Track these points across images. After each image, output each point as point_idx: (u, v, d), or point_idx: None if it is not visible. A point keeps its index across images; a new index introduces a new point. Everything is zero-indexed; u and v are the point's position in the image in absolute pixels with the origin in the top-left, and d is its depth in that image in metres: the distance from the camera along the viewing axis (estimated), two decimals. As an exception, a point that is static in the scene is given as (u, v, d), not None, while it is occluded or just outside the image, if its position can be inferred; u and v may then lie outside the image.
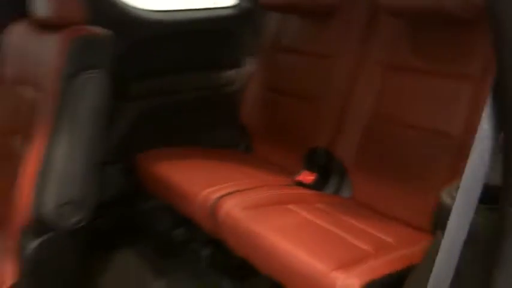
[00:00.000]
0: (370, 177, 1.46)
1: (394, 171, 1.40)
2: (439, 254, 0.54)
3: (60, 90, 1.15)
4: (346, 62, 1.57)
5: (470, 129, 1.21)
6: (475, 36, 1.25)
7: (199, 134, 1.86)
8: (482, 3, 0.77)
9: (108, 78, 1.23)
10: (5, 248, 1.26)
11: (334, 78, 1.59)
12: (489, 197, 0.53)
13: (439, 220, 0.70)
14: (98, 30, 1.23)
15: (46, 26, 1.26)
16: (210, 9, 2.06)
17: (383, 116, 1.44)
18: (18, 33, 1.40)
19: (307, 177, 1.54)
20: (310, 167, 1.59)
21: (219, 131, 1.91)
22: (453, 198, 0.65)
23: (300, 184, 1.54)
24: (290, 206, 1.32)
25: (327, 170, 1.56)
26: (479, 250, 0.55)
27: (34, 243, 1.14)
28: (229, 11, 2.00)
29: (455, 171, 1.14)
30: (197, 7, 2.03)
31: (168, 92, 1.85)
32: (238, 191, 1.36)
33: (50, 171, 1.14)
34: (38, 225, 1.13)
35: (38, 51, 1.27)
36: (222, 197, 1.30)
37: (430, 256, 0.68)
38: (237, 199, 1.29)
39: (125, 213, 1.70)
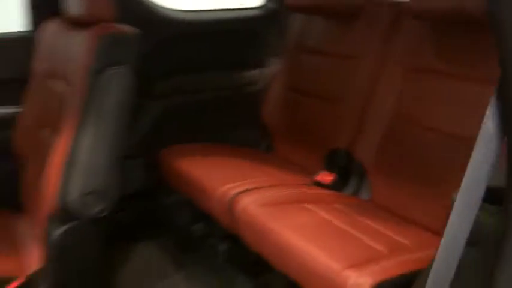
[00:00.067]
0: (389, 179, 1.45)
1: (413, 174, 1.39)
2: (438, 253, 0.54)
3: (88, 84, 1.20)
4: (368, 64, 1.57)
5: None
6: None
7: (221, 132, 1.89)
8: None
9: (134, 75, 1.27)
10: (33, 235, 1.33)
11: (355, 80, 1.60)
12: (494, 197, 0.53)
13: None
14: (125, 28, 1.28)
15: (77, 23, 1.32)
16: (236, 9, 2.10)
17: (403, 118, 1.44)
18: (50, 30, 1.47)
19: (326, 177, 1.55)
20: (329, 167, 1.60)
21: (241, 130, 1.94)
22: None
23: (319, 184, 1.55)
24: (307, 205, 1.34)
25: (347, 171, 1.56)
26: (481, 250, 0.55)
27: (59, 231, 1.19)
28: (255, 12, 2.03)
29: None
30: (224, 7, 2.07)
31: (192, 90, 1.89)
32: (256, 188, 1.38)
33: (75, 162, 1.19)
34: (64, 214, 1.18)
35: (68, 48, 1.33)
36: (239, 193, 1.33)
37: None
38: (255, 196, 1.32)
39: (147, 207, 1.75)
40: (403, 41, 1.47)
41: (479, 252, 0.57)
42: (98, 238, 1.26)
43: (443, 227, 0.94)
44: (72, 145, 1.20)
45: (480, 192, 0.51)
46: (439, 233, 1.23)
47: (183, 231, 1.67)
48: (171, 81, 1.84)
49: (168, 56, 1.82)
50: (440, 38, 1.37)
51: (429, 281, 0.55)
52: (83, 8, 1.28)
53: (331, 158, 1.61)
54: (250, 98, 1.95)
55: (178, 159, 1.61)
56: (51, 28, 1.46)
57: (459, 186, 1.09)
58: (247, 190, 1.35)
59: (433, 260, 0.69)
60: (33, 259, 1.24)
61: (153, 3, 1.77)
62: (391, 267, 1.02)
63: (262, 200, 1.30)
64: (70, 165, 1.19)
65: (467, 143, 1.24)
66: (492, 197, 0.54)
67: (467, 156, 1.27)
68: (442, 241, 0.55)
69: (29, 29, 1.59)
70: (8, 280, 1.18)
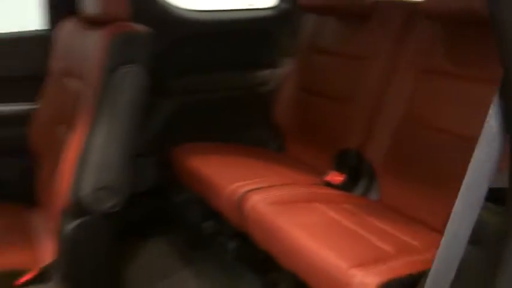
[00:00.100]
0: (399, 180, 1.45)
1: (423, 176, 1.38)
2: (438, 252, 0.55)
3: (101, 82, 1.23)
4: (380, 64, 1.56)
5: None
6: None
7: (233, 132, 1.91)
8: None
9: (147, 74, 1.29)
10: (47, 229, 1.36)
11: (367, 80, 1.60)
12: (497, 197, 0.53)
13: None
14: (139, 27, 1.30)
15: (93, 22, 1.35)
16: (249, 9, 2.11)
17: (414, 119, 1.43)
18: (67, 29, 1.50)
19: (336, 177, 1.55)
20: (340, 167, 1.60)
21: (253, 130, 1.95)
22: None
23: (329, 184, 1.55)
24: (316, 205, 1.34)
25: (357, 172, 1.56)
26: (484, 249, 0.55)
27: (72, 225, 1.22)
28: (269, 12, 2.04)
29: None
30: (237, 8, 2.08)
31: (204, 90, 1.91)
32: (266, 186, 1.39)
33: (88, 158, 1.22)
34: (76, 208, 1.21)
35: (84, 46, 1.36)
36: (249, 191, 1.34)
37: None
38: (264, 194, 1.33)
39: (158, 204, 1.77)
40: (415, 42, 1.46)
41: (482, 251, 0.57)
42: (109, 233, 1.29)
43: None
44: (85, 142, 1.23)
45: (482, 191, 0.52)
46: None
47: (193, 228, 1.69)
48: (184, 81, 1.86)
49: (181, 55, 1.85)
50: (451, 39, 1.36)
51: (428, 280, 0.56)
52: (98, 7, 1.31)
53: (342, 158, 1.61)
54: (262, 98, 1.97)
55: (190, 157, 1.63)
56: (68, 27, 1.50)
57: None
58: (256, 188, 1.36)
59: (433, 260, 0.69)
60: (47, 252, 1.27)
61: (167, 3, 1.80)
62: (399, 267, 1.02)
63: (271, 199, 1.31)
64: (83, 161, 1.22)
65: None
66: (496, 196, 0.54)
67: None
68: (443, 240, 0.55)
69: (46, 28, 1.63)
70: (22, 272, 1.21)
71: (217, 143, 1.79)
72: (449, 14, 1.31)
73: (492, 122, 0.49)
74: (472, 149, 1.30)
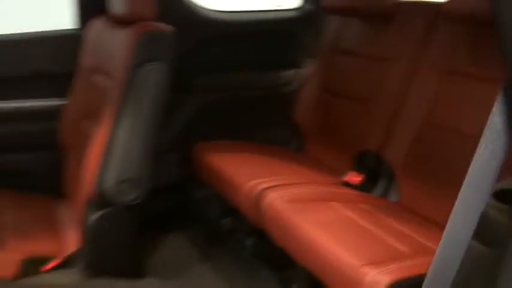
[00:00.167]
0: (419, 183, 1.44)
1: (443, 179, 1.37)
2: (438, 250, 0.55)
3: (126, 79, 1.28)
4: (402, 66, 1.56)
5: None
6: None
7: (254, 131, 1.93)
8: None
9: (170, 71, 1.34)
10: (72, 219, 1.42)
11: (388, 82, 1.59)
12: (506, 196, 0.53)
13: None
14: (163, 26, 1.34)
15: (120, 21, 1.40)
16: (274, 11, 2.13)
17: (435, 121, 1.42)
18: (97, 28, 1.56)
19: (354, 178, 1.56)
20: (359, 168, 1.60)
21: (273, 129, 1.97)
22: (489, 206, 0.66)
23: (347, 184, 1.56)
24: (333, 203, 1.35)
25: (376, 173, 1.56)
26: (490, 248, 0.56)
27: (96, 215, 1.27)
28: (293, 13, 2.06)
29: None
30: (261, 8, 2.11)
31: (227, 88, 1.94)
32: (283, 184, 1.40)
33: (112, 152, 1.27)
34: (100, 200, 1.26)
35: (111, 44, 1.41)
36: (266, 188, 1.36)
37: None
38: (281, 192, 1.34)
39: (178, 199, 1.81)
40: (437, 43, 1.45)
41: (488, 249, 0.57)
42: (131, 225, 1.33)
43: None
44: (110, 136, 1.28)
45: (487, 189, 0.52)
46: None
47: (212, 224, 1.72)
48: (208, 79, 1.89)
49: (206, 55, 1.88)
50: (474, 40, 1.34)
51: (427, 281, 0.56)
52: (126, 7, 1.36)
53: (361, 159, 1.61)
54: (284, 98, 1.98)
55: (210, 154, 1.66)
56: (97, 26, 1.56)
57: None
58: (274, 186, 1.38)
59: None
60: (71, 241, 1.33)
61: (194, 3, 1.84)
62: (412, 267, 1.02)
63: (288, 196, 1.33)
64: (107, 154, 1.27)
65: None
66: (504, 195, 0.54)
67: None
68: (442, 238, 0.55)
69: (77, 27, 1.69)
70: (48, 259, 1.27)
71: (237, 141, 1.82)
72: (471, 15, 1.30)
73: (496, 119, 0.49)
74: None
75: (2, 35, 1.63)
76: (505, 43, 0.46)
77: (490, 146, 0.50)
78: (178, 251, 1.61)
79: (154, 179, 1.35)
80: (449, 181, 1.34)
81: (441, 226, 1.30)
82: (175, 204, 1.82)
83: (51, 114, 1.63)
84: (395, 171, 1.51)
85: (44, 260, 1.26)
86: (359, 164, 1.61)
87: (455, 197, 1.30)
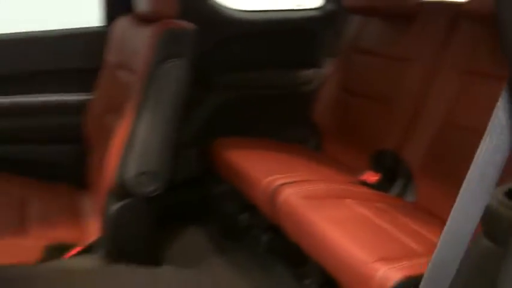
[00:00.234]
0: (437, 183, 1.43)
1: (462, 180, 1.36)
2: (440, 242, 0.56)
3: (148, 74, 1.32)
4: (422, 66, 1.55)
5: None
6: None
7: (273, 128, 1.95)
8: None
9: (191, 68, 1.37)
10: (94, 208, 1.47)
11: (408, 81, 1.59)
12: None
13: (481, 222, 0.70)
14: (185, 24, 1.38)
15: (144, 19, 1.45)
16: (295, 10, 2.15)
17: (455, 121, 1.41)
18: (122, 26, 1.61)
19: (371, 177, 1.56)
20: (376, 168, 1.60)
21: (292, 127, 1.99)
22: (498, 201, 0.66)
23: (364, 183, 1.56)
24: (348, 201, 1.36)
25: (393, 173, 1.56)
26: (498, 244, 0.56)
27: (116, 206, 1.31)
28: (314, 13, 2.07)
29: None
30: (283, 8, 2.13)
31: (247, 86, 1.97)
32: (299, 181, 1.42)
33: (133, 145, 1.31)
34: (121, 190, 1.31)
35: (135, 41, 1.46)
36: (282, 184, 1.38)
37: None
38: (297, 188, 1.36)
39: (197, 194, 1.85)
40: (458, 44, 1.44)
41: (495, 245, 0.57)
42: (150, 215, 1.37)
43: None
44: (131, 129, 1.32)
45: (491, 183, 0.53)
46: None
47: (229, 219, 1.75)
48: (229, 77, 1.93)
49: (228, 53, 1.92)
50: (495, 40, 1.33)
51: (425, 279, 0.57)
52: (150, 5, 1.41)
53: (378, 158, 1.61)
54: (303, 97, 2.00)
55: (229, 150, 1.69)
56: (123, 24, 1.61)
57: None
58: (290, 182, 1.40)
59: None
60: (93, 230, 1.38)
61: (216, 3, 1.88)
62: (424, 265, 1.01)
63: (304, 193, 1.34)
64: (128, 147, 1.31)
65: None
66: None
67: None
68: (443, 233, 0.56)
69: (103, 25, 1.75)
70: (71, 246, 1.33)
71: (256, 138, 1.84)
72: (491, 15, 1.29)
73: (501, 114, 0.50)
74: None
75: (32, 32, 1.70)
76: (507, 41, 0.47)
77: (494, 140, 0.51)
78: (195, 244, 1.65)
79: (173, 172, 1.38)
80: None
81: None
82: (193, 198, 1.86)
83: (77, 108, 1.69)
84: (413, 171, 1.50)
85: (67, 247, 1.32)
86: (376, 164, 1.61)
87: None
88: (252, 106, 1.95)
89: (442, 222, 1.36)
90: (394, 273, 0.98)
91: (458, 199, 0.58)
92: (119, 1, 1.70)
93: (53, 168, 1.72)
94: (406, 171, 1.53)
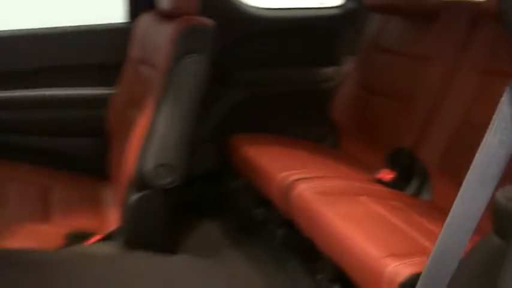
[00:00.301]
0: (453, 183, 1.41)
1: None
2: (440, 237, 0.56)
3: (168, 70, 1.36)
4: (442, 65, 1.54)
5: None
6: None
7: (291, 125, 1.96)
8: None
9: (210, 64, 1.40)
10: (114, 199, 1.52)
11: (428, 80, 1.58)
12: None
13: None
14: (205, 20, 1.41)
15: (166, 16, 1.48)
16: (316, 8, 2.16)
17: (474, 121, 1.40)
18: (145, 22, 1.65)
19: (387, 175, 1.56)
20: (392, 166, 1.60)
21: (310, 125, 2.00)
22: (507, 199, 0.67)
23: (379, 181, 1.56)
24: (362, 198, 1.36)
25: (409, 171, 1.56)
26: (500, 239, 0.56)
27: (135, 197, 1.36)
28: (335, 11, 2.07)
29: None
30: (304, 6, 2.14)
31: (267, 83, 1.99)
32: (314, 177, 1.43)
33: (152, 138, 1.35)
34: (140, 182, 1.35)
35: (157, 37, 1.50)
36: (297, 180, 1.39)
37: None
38: (311, 184, 1.37)
39: (213, 188, 1.88)
40: (478, 43, 1.43)
41: (506, 243, 0.58)
42: (167, 207, 1.41)
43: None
44: (150, 123, 1.36)
45: (494, 178, 0.53)
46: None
47: (244, 214, 1.77)
48: (249, 74, 1.95)
49: (248, 50, 1.94)
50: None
51: (423, 276, 0.57)
52: (171, 2, 1.45)
53: (394, 156, 1.61)
54: (322, 95, 2.00)
55: (246, 146, 1.72)
56: (146, 20, 1.65)
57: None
58: (305, 178, 1.41)
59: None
60: (112, 219, 1.43)
61: (237, 0, 1.90)
62: (435, 263, 1.02)
63: (318, 188, 1.35)
64: (147, 140, 1.35)
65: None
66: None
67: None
68: (442, 233, 0.56)
69: (127, 21, 1.80)
70: (91, 234, 1.38)
71: (273, 135, 1.86)
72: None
73: (505, 109, 0.50)
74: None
75: (58, 27, 1.76)
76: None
77: (498, 135, 0.51)
78: (210, 237, 1.68)
79: (191, 167, 1.42)
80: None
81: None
82: (210, 192, 1.89)
83: (100, 102, 1.75)
84: (429, 170, 1.50)
85: (87, 235, 1.37)
86: (392, 162, 1.61)
87: (490, 201, 1.29)
88: (270, 103, 1.97)
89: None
90: (404, 268, 0.98)
91: (460, 192, 0.58)
92: None
93: (76, 160, 1.78)
94: (422, 170, 1.52)
